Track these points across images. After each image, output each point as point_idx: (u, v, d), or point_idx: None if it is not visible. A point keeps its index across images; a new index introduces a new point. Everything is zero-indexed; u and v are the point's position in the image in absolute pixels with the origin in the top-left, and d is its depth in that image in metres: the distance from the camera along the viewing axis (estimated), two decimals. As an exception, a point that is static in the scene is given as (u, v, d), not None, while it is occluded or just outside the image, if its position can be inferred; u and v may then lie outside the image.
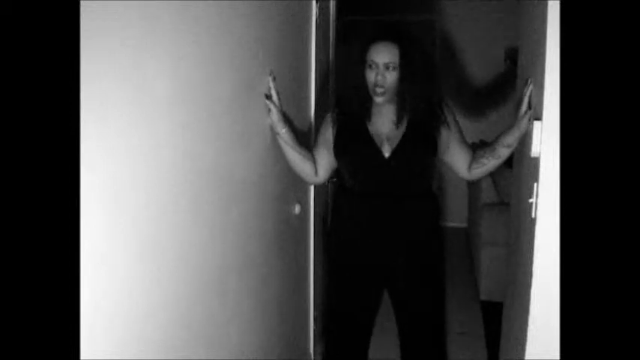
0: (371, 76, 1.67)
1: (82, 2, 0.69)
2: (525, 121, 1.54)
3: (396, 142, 1.73)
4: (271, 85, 1.61)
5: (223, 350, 1.36)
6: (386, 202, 1.76)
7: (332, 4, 2.55)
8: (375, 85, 1.66)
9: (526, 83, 1.58)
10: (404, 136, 1.73)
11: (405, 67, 1.67)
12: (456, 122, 1.80)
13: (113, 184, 0.83)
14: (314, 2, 2.21)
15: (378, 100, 1.69)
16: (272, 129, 1.66)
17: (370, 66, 1.67)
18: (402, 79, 1.68)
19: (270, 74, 1.61)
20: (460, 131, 1.81)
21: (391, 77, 1.67)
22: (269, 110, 1.61)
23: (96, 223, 0.78)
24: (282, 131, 1.66)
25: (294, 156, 1.74)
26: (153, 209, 0.98)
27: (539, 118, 1.39)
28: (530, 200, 1.43)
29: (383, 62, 1.65)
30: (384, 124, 1.76)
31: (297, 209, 2.00)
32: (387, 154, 1.72)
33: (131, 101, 0.87)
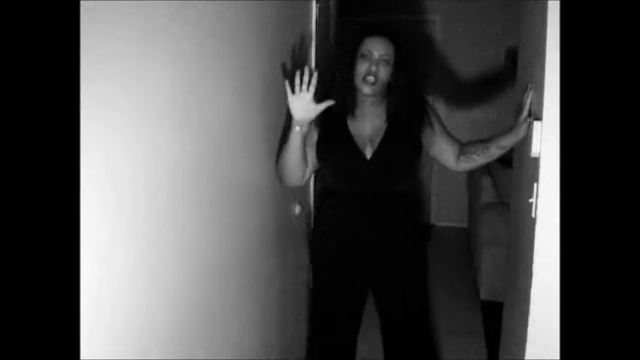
0: (363, 65, 1.65)
1: (82, 2, 0.69)
2: (524, 127, 1.54)
3: (377, 142, 1.72)
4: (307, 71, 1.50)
5: (223, 350, 1.36)
6: (368, 204, 1.75)
7: (332, 4, 2.55)
8: (367, 74, 1.65)
9: (526, 88, 1.57)
10: (385, 137, 1.72)
11: (399, 65, 1.67)
12: (438, 117, 1.81)
13: (113, 184, 0.83)
14: (314, 2, 2.21)
15: (366, 90, 1.66)
16: (293, 124, 1.56)
17: (364, 55, 1.65)
18: (394, 78, 1.68)
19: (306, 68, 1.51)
20: (442, 124, 1.81)
21: (384, 71, 1.66)
22: (308, 88, 1.50)
23: (96, 223, 0.78)
24: (304, 129, 1.59)
25: (297, 156, 1.64)
26: (152, 209, 0.98)
27: (539, 118, 1.39)
28: (530, 200, 1.43)
29: (379, 54, 1.65)
30: (366, 125, 1.74)
31: (297, 210, 2.00)
32: (368, 156, 1.71)
33: (131, 101, 0.87)
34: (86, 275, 0.75)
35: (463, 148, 1.79)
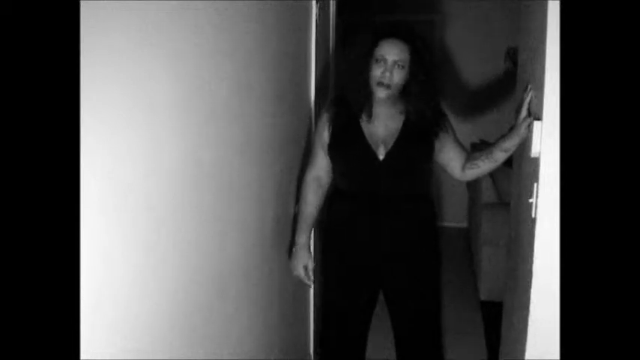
0: (377, 71, 1.65)
1: (82, 2, 0.69)
2: (524, 127, 1.53)
3: (390, 143, 1.72)
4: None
5: (223, 350, 1.36)
6: (379, 204, 1.75)
7: (332, 4, 2.55)
8: (381, 79, 1.64)
9: (526, 88, 1.57)
10: (399, 138, 1.72)
11: (415, 67, 1.66)
12: (450, 123, 1.80)
13: (113, 185, 0.83)
14: (314, 2, 2.21)
15: (381, 94, 1.67)
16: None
17: (378, 60, 1.65)
18: (411, 79, 1.67)
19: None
20: (454, 132, 1.80)
21: (398, 75, 1.65)
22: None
23: (96, 224, 0.78)
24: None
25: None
26: (152, 209, 0.98)
27: (539, 118, 1.39)
28: (530, 200, 1.43)
29: (392, 59, 1.64)
30: (380, 126, 1.74)
31: (297, 209, 2.00)
32: (381, 156, 1.71)
33: (131, 101, 0.87)
34: (86, 275, 0.75)
35: (468, 156, 1.78)
